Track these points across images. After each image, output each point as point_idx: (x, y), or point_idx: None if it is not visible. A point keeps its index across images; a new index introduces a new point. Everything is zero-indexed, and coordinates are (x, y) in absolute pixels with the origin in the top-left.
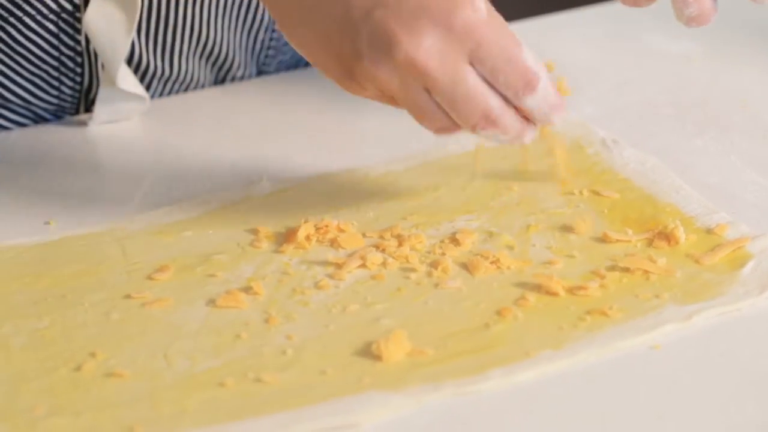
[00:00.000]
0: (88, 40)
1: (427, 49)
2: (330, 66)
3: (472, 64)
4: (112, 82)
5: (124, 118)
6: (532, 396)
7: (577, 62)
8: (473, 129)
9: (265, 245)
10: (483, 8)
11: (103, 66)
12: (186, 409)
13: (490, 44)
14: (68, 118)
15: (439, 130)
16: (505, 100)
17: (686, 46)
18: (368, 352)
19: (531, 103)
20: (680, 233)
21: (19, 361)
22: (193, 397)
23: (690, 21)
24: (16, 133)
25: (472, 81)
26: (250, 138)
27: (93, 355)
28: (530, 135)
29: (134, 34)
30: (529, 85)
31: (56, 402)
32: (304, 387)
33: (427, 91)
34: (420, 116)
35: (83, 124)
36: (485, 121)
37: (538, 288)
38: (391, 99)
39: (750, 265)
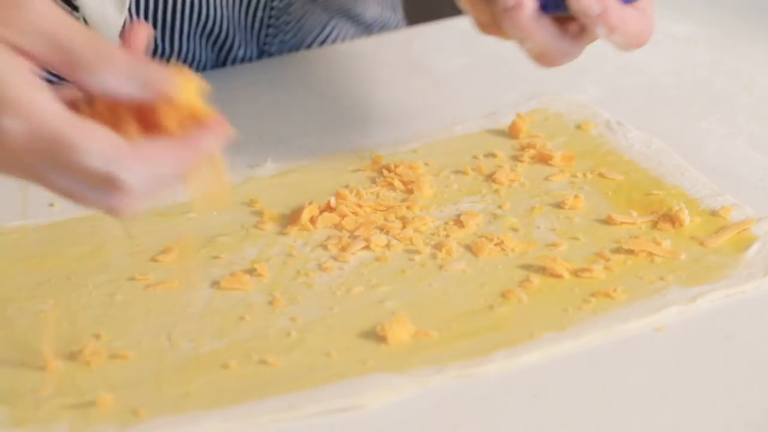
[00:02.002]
0: (85, 19)
1: None
2: None
3: None
4: None
5: None
6: (537, 378)
7: None
8: None
9: (270, 227)
10: (14, 123)
11: None
12: (190, 391)
13: (42, 160)
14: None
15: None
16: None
17: (691, 29)
18: (373, 335)
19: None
20: (685, 215)
21: (24, 342)
22: (198, 379)
23: (625, 47)
24: None
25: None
26: (254, 119)
27: (97, 336)
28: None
29: (127, 12)
30: (107, 185)
31: (60, 384)
32: (309, 369)
33: None
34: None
35: None
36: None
37: (542, 270)
38: None
39: (754, 247)
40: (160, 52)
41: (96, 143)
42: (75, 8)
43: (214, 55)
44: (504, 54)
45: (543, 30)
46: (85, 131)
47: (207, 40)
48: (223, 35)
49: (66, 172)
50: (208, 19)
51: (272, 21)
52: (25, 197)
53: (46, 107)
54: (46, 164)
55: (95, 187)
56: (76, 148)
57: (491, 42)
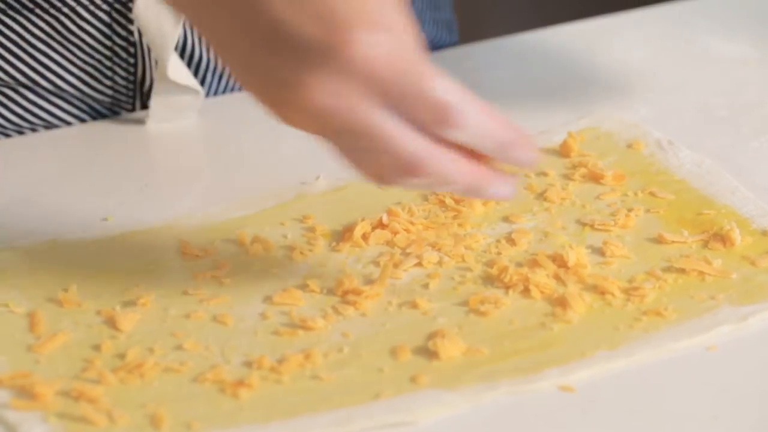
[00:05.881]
0: (141, 31)
1: (323, 91)
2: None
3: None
4: (165, 75)
5: (181, 115)
6: (587, 396)
7: (633, 63)
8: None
9: (321, 243)
10: (382, 40)
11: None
12: (243, 405)
13: (393, 83)
14: (126, 114)
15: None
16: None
17: (742, 49)
18: (424, 351)
19: (461, 137)
20: (736, 235)
21: (78, 355)
22: (250, 394)
23: None
24: (76, 129)
25: (380, 126)
26: (306, 136)
27: (151, 350)
28: (503, 188)
29: (184, 25)
30: (444, 118)
31: (114, 397)
32: (361, 384)
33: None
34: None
35: (141, 122)
36: (406, 171)
37: (593, 288)
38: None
39: None
40: (213, 65)
41: (445, 78)
42: (130, 21)
43: None
44: (555, 73)
45: None
46: (433, 68)
47: None
48: None
49: (406, 100)
50: None
51: None
52: None
53: (410, 33)
54: (391, 87)
55: (428, 119)
56: (429, 75)
57: (542, 61)
